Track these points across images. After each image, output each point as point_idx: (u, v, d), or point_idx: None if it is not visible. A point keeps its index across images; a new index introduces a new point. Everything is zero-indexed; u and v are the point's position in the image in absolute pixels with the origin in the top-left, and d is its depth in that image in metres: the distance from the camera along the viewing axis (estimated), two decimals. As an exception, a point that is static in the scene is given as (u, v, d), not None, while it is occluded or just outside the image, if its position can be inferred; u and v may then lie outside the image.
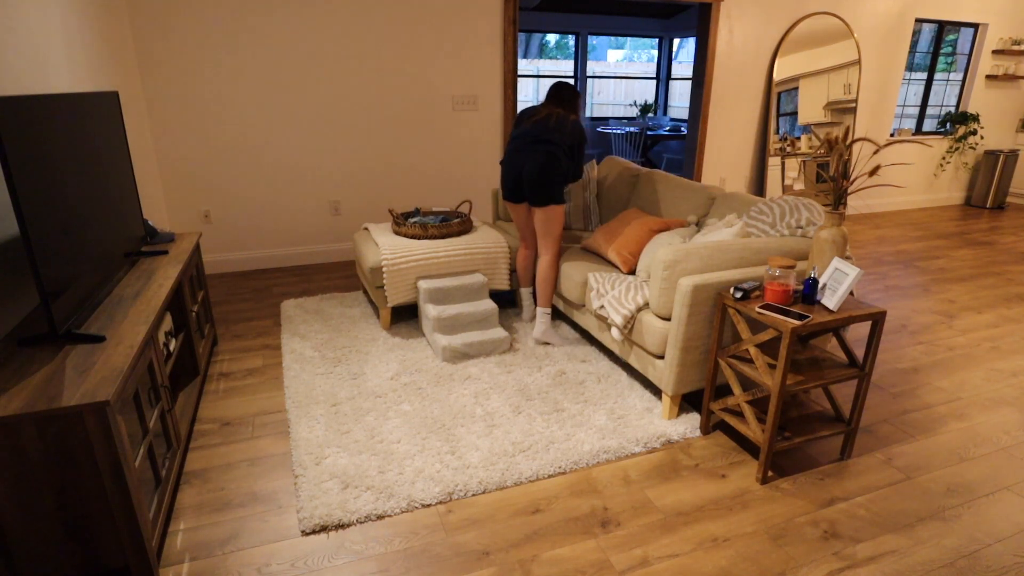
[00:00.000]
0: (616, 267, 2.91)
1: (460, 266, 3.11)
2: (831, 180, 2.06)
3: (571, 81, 8.41)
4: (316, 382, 2.64)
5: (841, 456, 2.21)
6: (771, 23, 5.16)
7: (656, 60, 8.93)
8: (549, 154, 2.79)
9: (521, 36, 8.19)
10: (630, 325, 2.44)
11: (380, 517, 1.87)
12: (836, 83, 5.52)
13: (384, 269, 2.96)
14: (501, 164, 2.97)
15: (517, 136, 2.89)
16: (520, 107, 8.29)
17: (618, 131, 7.84)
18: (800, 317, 1.88)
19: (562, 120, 2.85)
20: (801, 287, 2.15)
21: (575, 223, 3.63)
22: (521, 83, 8.21)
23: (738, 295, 2.05)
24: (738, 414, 2.20)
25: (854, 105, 5.63)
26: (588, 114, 8.59)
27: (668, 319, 2.31)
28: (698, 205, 3.01)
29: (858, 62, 5.53)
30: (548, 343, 3.04)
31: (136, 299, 2.00)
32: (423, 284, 2.99)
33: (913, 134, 6.44)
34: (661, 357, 2.35)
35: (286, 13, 3.78)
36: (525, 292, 3.29)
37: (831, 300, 1.96)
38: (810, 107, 5.47)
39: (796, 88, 5.38)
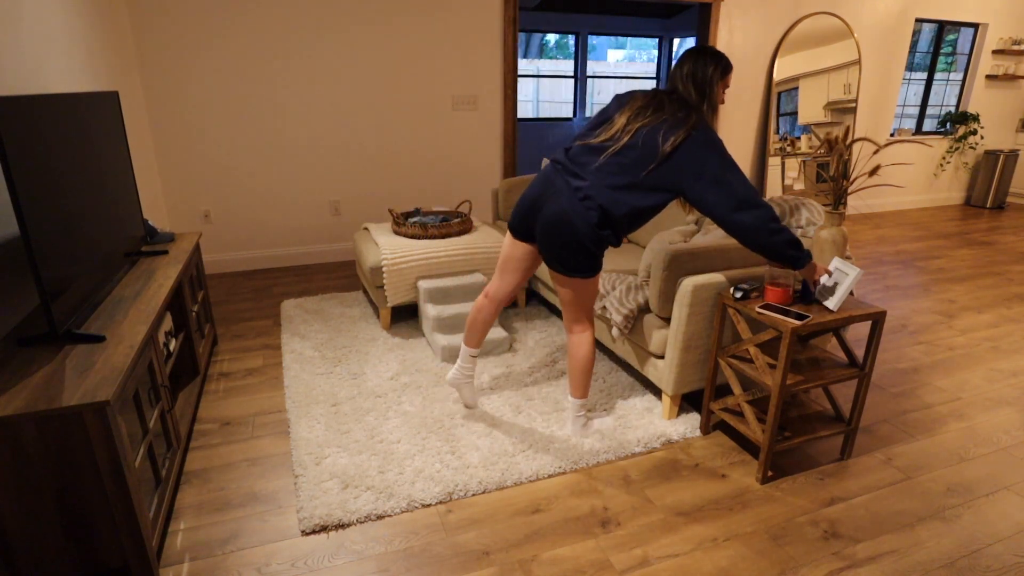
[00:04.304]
0: None
1: (460, 266, 3.11)
2: (831, 180, 2.07)
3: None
4: (316, 382, 2.64)
5: (841, 456, 2.20)
6: (771, 23, 5.16)
7: (656, 60, 8.94)
8: (575, 218, 1.82)
9: (521, 36, 8.19)
10: (630, 325, 2.44)
11: (380, 517, 1.87)
12: (836, 83, 5.52)
13: (384, 269, 2.96)
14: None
15: (557, 160, 1.93)
16: (520, 107, 8.26)
17: (618, 131, 7.82)
18: (800, 317, 1.88)
19: (648, 145, 1.79)
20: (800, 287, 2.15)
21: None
22: (521, 83, 8.21)
23: (738, 295, 2.05)
24: (738, 414, 2.20)
25: (854, 105, 5.63)
26: (588, 114, 8.57)
27: (668, 319, 2.31)
28: (698, 205, 3.00)
29: (858, 62, 5.53)
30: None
31: (136, 299, 2.00)
32: (423, 284, 2.99)
33: (913, 134, 6.44)
34: (661, 357, 2.35)
35: (285, 14, 3.78)
36: (465, 352, 2.30)
37: (831, 300, 1.96)
38: (810, 107, 5.47)
39: (796, 88, 5.38)
